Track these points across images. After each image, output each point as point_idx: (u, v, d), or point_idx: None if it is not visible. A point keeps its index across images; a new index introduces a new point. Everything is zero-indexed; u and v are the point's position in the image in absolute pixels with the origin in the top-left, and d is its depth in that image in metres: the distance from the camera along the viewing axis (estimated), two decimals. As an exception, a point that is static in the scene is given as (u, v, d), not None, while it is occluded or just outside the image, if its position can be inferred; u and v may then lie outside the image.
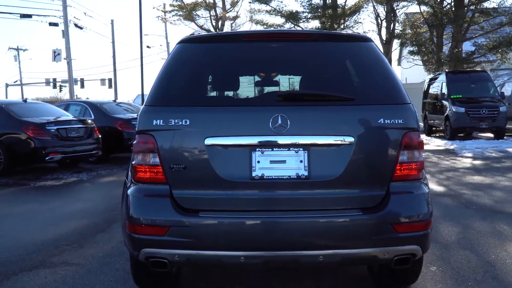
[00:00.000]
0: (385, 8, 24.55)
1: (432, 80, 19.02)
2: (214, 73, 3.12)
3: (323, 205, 2.66)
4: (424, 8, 23.72)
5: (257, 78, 3.48)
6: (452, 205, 6.18)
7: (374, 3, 25.00)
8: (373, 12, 25.10)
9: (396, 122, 2.71)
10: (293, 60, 3.09)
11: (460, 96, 16.10)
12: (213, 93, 3.18)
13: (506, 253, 4.13)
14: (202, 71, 3.03)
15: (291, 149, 2.66)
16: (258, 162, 2.65)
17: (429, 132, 18.70)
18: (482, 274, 3.65)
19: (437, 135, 18.20)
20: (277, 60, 3.09)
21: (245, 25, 28.32)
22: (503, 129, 15.70)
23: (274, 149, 2.66)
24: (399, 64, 37.39)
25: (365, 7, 25.73)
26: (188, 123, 2.68)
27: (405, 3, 24.78)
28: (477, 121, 15.30)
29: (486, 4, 22.36)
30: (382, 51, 17.46)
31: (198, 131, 2.67)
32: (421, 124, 20.47)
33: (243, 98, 3.07)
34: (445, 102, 16.53)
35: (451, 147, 13.72)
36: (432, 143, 15.64)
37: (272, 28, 25.34)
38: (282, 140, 2.64)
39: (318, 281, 3.55)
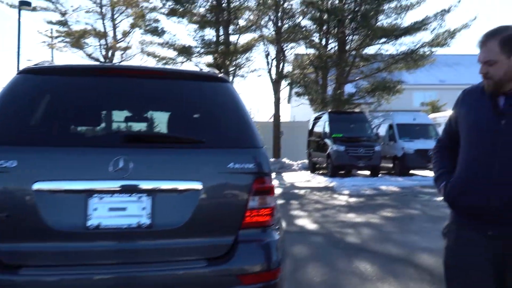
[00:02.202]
0: (275, 48, 25.62)
1: (316, 119, 20.01)
2: (55, 109, 2.80)
3: (166, 256, 2.47)
4: (311, 50, 25.18)
5: (103, 116, 3.24)
6: (322, 244, 6.32)
7: (265, 43, 26.01)
8: (264, 51, 26.02)
9: (247, 166, 2.63)
10: (144, 98, 2.91)
11: (341, 135, 17.08)
12: (51, 131, 2.83)
13: (365, 294, 4.24)
14: (40, 106, 2.72)
15: (133, 195, 2.45)
16: (95, 209, 2.39)
17: (313, 169, 19.52)
18: (339, 318, 3.67)
19: (320, 172, 19.03)
20: (127, 98, 2.89)
21: (136, 56, 27.78)
22: (378, 167, 16.88)
23: (114, 195, 2.43)
24: (288, 102, 39.06)
25: (257, 46, 26.63)
26: (15, 164, 2.35)
27: (293, 45, 26.11)
28: (356, 159, 16.29)
29: (366, 51, 24.29)
30: (264, 89, 17.70)
31: (26, 174, 2.36)
32: (306, 161, 21.35)
33: (82, 137, 2.80)
34: (327, 141, 17.42)
35: (331, 184, 14.36)
36: (314, 180, 16.28)
37: (164, 61, 25.10)
38: (123, 185, 2.42)
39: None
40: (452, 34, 22.70)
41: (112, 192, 2.42)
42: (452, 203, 2.25)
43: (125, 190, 2.43)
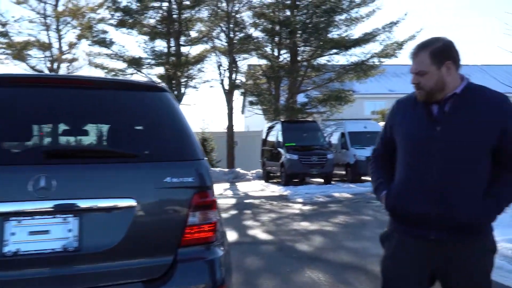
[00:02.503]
0: (228, 59, 25.58)
1: (270, 129, 20.05)
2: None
3: (98, 281, 2.25)
4: (263, 61, 25.30)
5: (25, 130, 2.97)
6: (275, 254, 6.20)
7: (217, 54, 25.91)
8: (216, 62, 25.90)
9: (185, 180, 2.47)
10: (74, 110, 2.69)
11: (294, 144, 17.14)
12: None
13: (317, 305, 4.15)
14: None
15: (57, 216, 2.23)
16: (13, 234, 2.15)
17: (267, 178, 19.49)
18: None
19: (275, 181, 19.01)
20: (55, 109, 2.64)
21: (83, 68, 26.89)
22: (331, 175, 17.04)
23: (35, 217, 2.19)
24: (242, 112, 39.04)
25: (209, 57, 26.50)
26: None
27: (246, 55, 26.18)
28: (308, 167, 16.38)
29: (317, 61, 24.62)
30: (227, 99, 17.66)
31: None
32: (260, 170, 21.32)
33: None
34: (280, 150, 17.44)
35: (285, 193, 14.35)
36: (269, 189, 16.23)
37: (113, 73, 24.50)
38: (46, 205, 2.19)
39: None
40: (400, 45, 23.39)
41: (32, 214, 2.18)
42: (393, 211, 2.28)
43: (48, 211, 2.20)
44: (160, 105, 2.72)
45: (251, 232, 7.96)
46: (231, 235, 7.53)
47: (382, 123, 21.71)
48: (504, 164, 2.14)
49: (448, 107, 2.13)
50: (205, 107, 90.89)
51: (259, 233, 7.76)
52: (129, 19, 23.35)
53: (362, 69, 23.15)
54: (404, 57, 50.49)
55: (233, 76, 25.46)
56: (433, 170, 2.10)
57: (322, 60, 24.76)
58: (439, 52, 2.12)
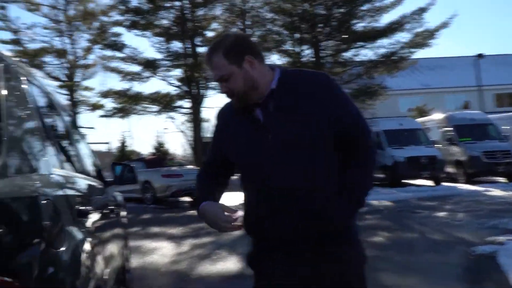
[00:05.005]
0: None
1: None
2: None
3: None
4: (285, 59, 23.76)
5: None
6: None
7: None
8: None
9: None
10: None
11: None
12: None
13: None
14: None
15: None
16: None
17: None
18: None
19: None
20: None
21: (99, 73, 25.97)
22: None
23: None
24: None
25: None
26: None
27: (266, 53, 24.68)
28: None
29: (343, 56, 23.01)
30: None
31: None
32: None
33: None
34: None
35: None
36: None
37: (130, 77, 23.41)
38: None
39: None
40: (431, 33, 21.54)
41: None
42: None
43: None
44: None
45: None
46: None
47: (420, 119, 19.91)
48: (349, 150, 1.90)
49: (272, 107, 1.87)
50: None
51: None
52: (140, 20, 22.27)
53: (392, 61, 21.39)
54: (437, 48, 48.24)
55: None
56: (280, 180, 1.81)
57: (348, 55, 23.03)
58: (232, 49, 1.87)
